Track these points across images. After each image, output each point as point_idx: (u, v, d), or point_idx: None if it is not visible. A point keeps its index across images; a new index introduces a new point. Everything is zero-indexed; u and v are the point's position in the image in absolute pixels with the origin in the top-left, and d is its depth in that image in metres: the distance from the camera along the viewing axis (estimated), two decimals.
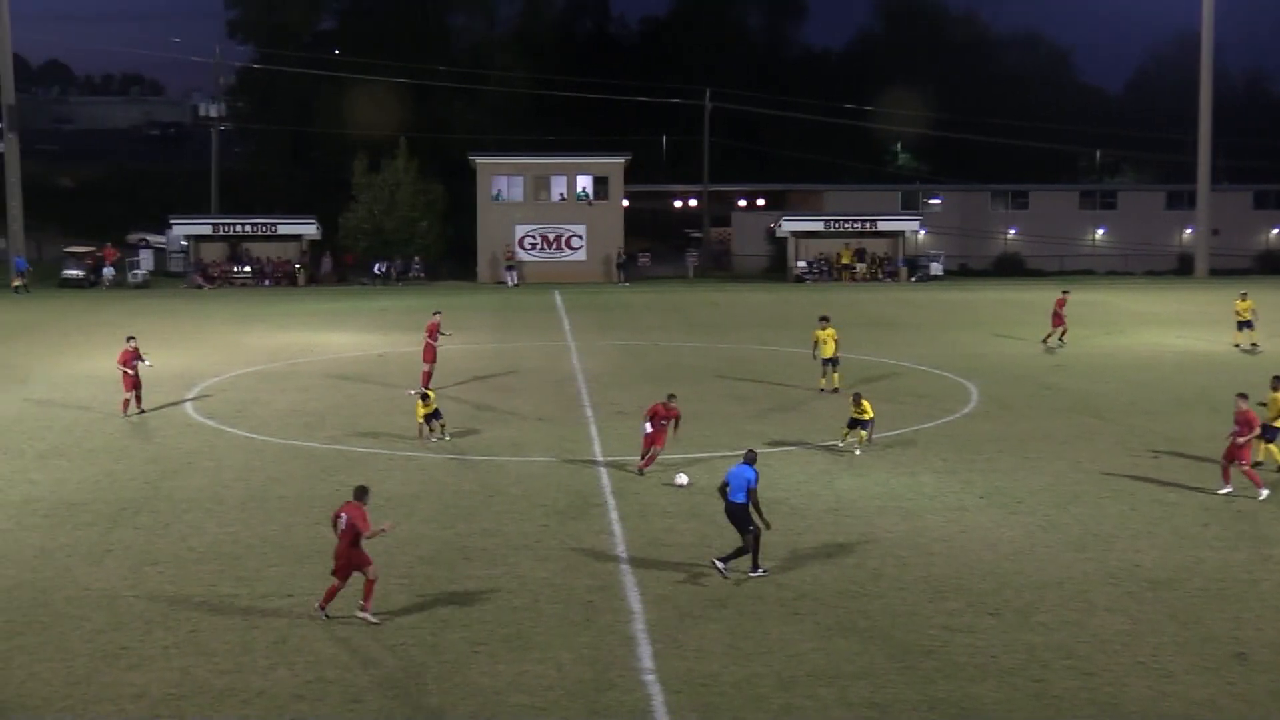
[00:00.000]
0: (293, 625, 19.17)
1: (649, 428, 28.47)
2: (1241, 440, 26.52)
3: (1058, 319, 49.41)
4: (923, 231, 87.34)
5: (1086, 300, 66.89)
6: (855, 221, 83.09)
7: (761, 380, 41.52)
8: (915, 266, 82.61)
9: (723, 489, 21.79)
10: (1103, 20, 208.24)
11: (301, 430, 33.66)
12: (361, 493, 19.69)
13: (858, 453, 30.08)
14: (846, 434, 30.59)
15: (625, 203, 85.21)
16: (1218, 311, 60.76)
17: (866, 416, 30.06)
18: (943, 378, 41.70)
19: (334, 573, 19.30)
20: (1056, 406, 36.86)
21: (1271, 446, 28.34)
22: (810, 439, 32.00)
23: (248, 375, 42.78)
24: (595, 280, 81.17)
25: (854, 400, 30.40)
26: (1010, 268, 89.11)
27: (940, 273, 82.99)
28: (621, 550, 23.12)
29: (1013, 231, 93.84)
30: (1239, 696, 16.82)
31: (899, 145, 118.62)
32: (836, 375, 38.89)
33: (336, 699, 16.66)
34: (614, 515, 25.40)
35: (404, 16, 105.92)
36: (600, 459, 30.37)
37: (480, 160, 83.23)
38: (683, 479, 27.25)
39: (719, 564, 21.46)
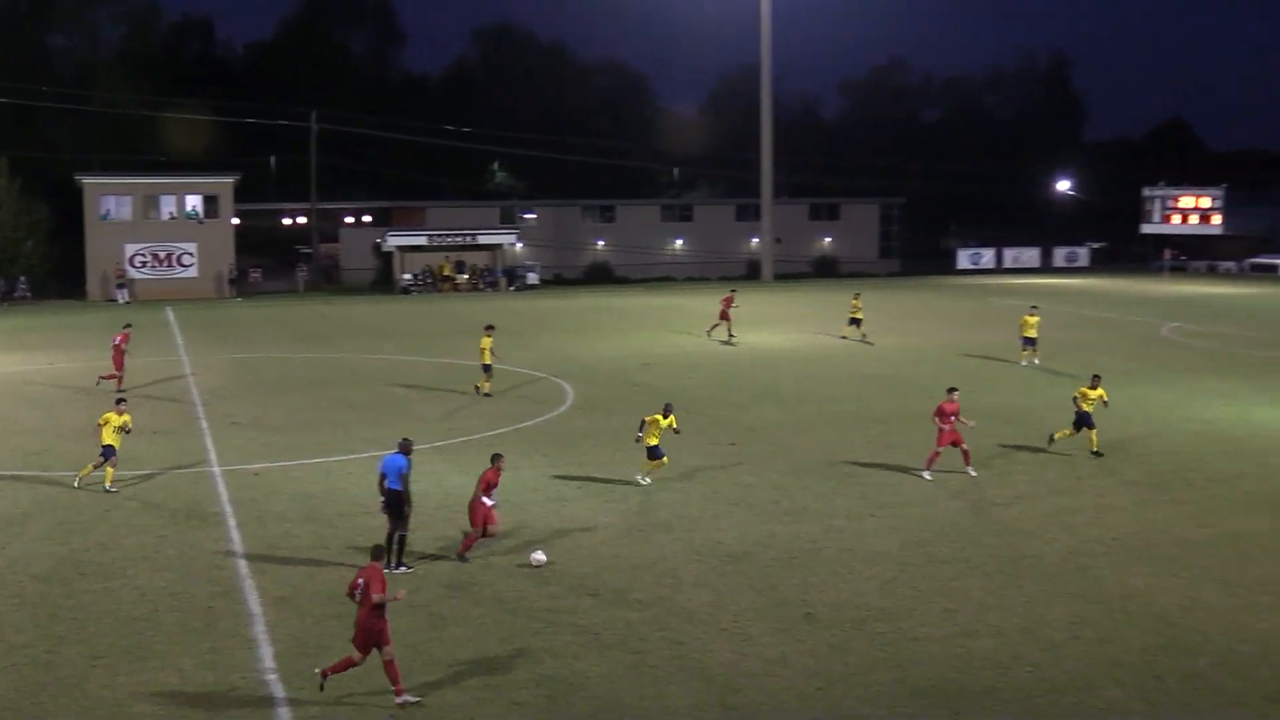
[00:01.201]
0: None
1: (488, 500, 22.32)
2: (946, 427, 27.96)
3: (724, 315, 52.07)
4: (519, 244, 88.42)
5: (670, 304, 69.33)
6: (457, 235, 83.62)
7: (371, 386, 41.10)
8: (513, 276, 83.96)
9: (380, 480, 21.78)
10: (676, 50, 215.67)
11: None
12: (379, 552, 17.40)
13: (645, 481, 27.51)
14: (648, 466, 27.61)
15: (236, 221, 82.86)
16: (782, 311, 64.19)
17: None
18: (541, 379, 42.33)
19: (354, 641, 16.22)
20: (644, 403, 37.86)
21: (1092, 433, 30.12)
22: (420, 440, 31.87)
23: None
24: (208, 296, 78.51)
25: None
26: (600, 276, 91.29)
27: (536, 281, 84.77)
28: (240, 556, 22.46)
29: (601, 243, 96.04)
30: (806, 652, 17.82)
31: (496, 164, 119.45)
32: (487, 383, 39.03)
33: None
34: (232, 523, 24.62)
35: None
36: (216, 468, 29.37)
37: (87, 180, 79.20)
38: (539, 557, 21.94)
39: (398, 571, 21.05)
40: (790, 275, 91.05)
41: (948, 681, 16.80)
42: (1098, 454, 29.85)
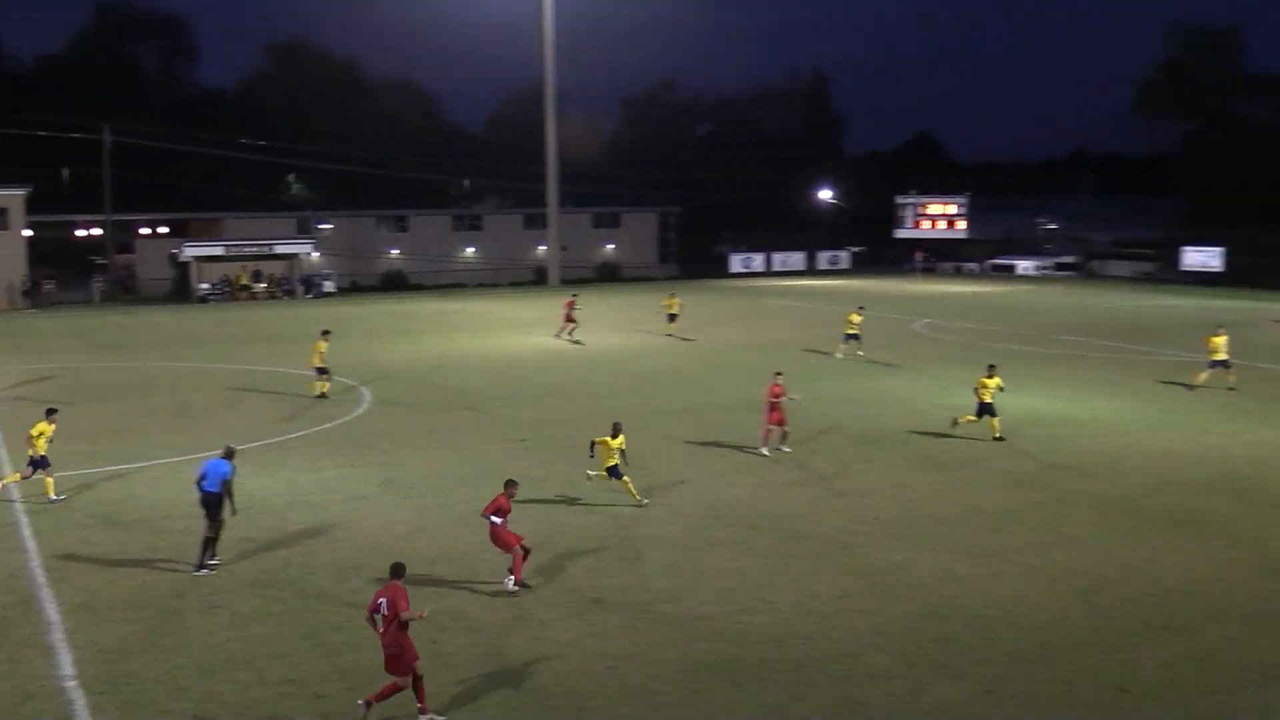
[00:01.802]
0: None
1: (496, 520, 20.08)
2: (774, 403, 29.69)
3: (568, 319, 52.48)
4: (316, 253, 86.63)
5: (463, 309, 68.79)
6: (253, 246, 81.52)
7: (170, 394, 39.72)
8: (310, 284, 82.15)
9: (199, 481, 21.25)
10: (465, 68, 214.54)
11: None
12: (399, 570, 15.89)
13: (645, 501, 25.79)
14: None
15: (28, 233, 79.00)
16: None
17: None
18: (338, 382, 41.52)
19: (388, 668, 15.13)
20: (439, 403, 37.60)
21: (994, 420, 31.00)
22: (213, 445, 30.93)
23: None
24: None
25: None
26: (395, 283, 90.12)
27: (333, 289, 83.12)
28: (36, 565, 21.39)
29: (395, 251, 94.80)
30: (597, 635, 17.89)
31: (292, 176, 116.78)
32: (326, 385, 38.36)
33: None
34: (27, 532, 23.40)
35: None
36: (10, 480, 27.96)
37: None
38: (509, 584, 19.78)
39: (202, 570, 20.62)
40: (576, 280, 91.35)
41: (729, 655, 17.06)
42: (1000, 439, 30.75)
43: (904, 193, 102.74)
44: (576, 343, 51.47)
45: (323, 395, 38.05)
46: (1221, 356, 38.40)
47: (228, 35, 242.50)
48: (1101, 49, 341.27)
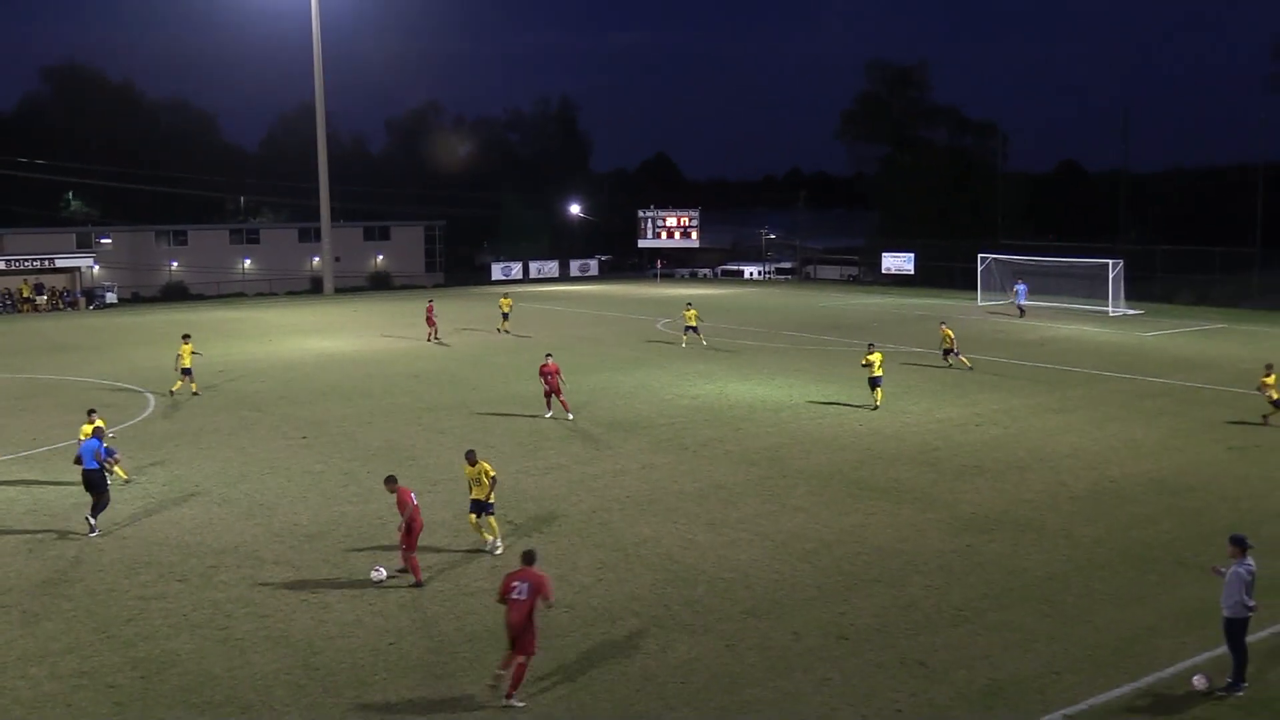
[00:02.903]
0: None
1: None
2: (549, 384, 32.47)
3: (430, 322, 52.42)
4: (96, 266, 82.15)
5: (241, 317, 66.35)
6: (34, 260, 76.82)
7: None
8: (92, 296, 78.00)
9: (77, 460, 22.19)
10: (239, 90, 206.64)
11: None
12: (532, 556, 15.06)
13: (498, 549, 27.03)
14: None
15: None
16: (342, 320, 62.81)
17: None
18: (123, 389, 39.55)
19: (516, 649, 14.46)
20: (221, 404, 36.19)
21: (878, 391, 33.65)
22: (5, 452, 29.08)
23: None
24: None
25: None
26: (176, 294, 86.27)
27: (115, 300, 79.13)
28: None
29: (175, 264, 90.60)
30: (378, 614, 17.57)
31: (70, 194, 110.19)
32: (191, 384, 37.87)
33: None
34: None
35: None
36: None
37: None
38: (380, 573, 19.10)
39: (91, 521, 21.74)
40: (350, 289, 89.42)
41: (500, 626, 16.96)
42: (876, 408, 33.42)
43: (645, 207, 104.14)
44: (442, 344, 50.95)
45: (195, 393, 37.74)
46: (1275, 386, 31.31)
47: (2, 59, 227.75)
48: (812, 82, 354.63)
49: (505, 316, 56.17)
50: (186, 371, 37.68)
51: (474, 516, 20.60)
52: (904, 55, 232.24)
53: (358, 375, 42.18)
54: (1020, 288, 63.40)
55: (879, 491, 24.62)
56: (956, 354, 41.65)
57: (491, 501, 20.55)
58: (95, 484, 22.00)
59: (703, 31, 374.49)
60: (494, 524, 20.65)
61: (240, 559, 20.28)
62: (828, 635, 16.66)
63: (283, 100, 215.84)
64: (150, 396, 37.63)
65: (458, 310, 66.04)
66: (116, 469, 24.91)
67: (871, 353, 34.06)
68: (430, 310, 53.60)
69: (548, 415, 32.66)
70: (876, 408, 33.49)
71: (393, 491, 19.34)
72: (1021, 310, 61.68)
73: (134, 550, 20.81)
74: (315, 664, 15.73)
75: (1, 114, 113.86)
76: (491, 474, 20.42)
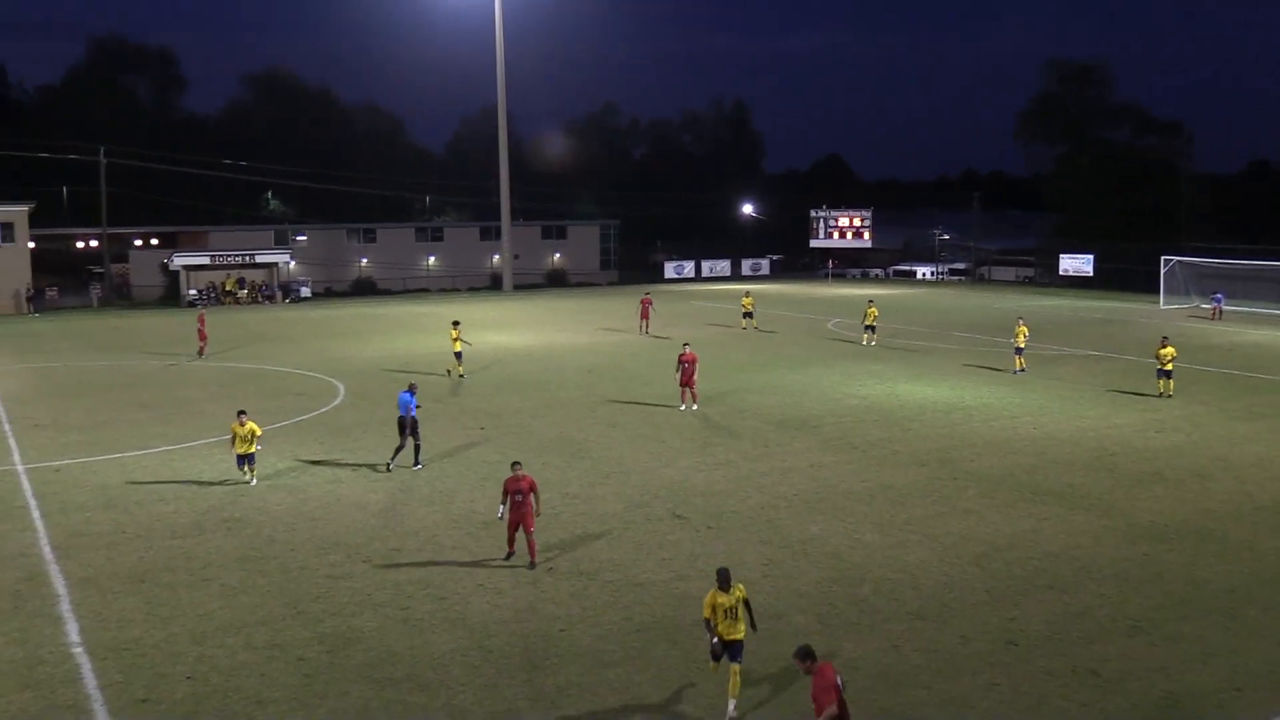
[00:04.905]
0: None
1: (503, 511, 19.65)
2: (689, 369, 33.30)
3: (644, 315, 54.44)
4: (293, 262, 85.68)
5: (426, 312, 68.30)
6: (237, 255, 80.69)
7: (162, 389, 39.12)
8: (288, 290, 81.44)
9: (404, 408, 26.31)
10: (426, 95, 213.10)
11: None
12: (806, 653, 12.34)
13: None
14: None
15: (32, 244, 77.48)
16: (520, 316, 64.02)
17: None
18: (315, 378, 41.16)
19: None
20: None
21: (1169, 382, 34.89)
22: (202, 437, 30.60)
23: None
24: (7, 313, 73.11)
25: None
26: (365, 289, 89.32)
27: (309, 294, 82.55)
28: (45, 544, 21.05)
29: (365, 260, 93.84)
30: (550, 600, 17.86)
31: (270, 193, 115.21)
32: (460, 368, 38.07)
33: None
34: (36, 514, 23.06)
35: None
36: (20, 466, 27.47)
37: None
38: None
39: (390, 467, 25.76)
40: (527, 286, 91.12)
41: (666, 618, 17.10)
42: (1170, 396, 34.61)
43: (817, 207, 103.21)
44: (658, 337, 51.93)
45: (460, 374, 40.57)
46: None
47: (211, 66, 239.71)
48: (989, 81, 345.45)
49: (749, 315, 56.28)
50: (457, 355, 41.13)
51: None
52: (1084, 53, 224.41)
53: (533, 369, 42.95)
54: (1218, 296, 61.43)
55: (1052, 496, 23.89)
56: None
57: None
58: (404, 427, 26.41)
59: (877, 32, 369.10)
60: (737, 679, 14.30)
61: (421, 543, 20.89)
62: (996, 640, 16.25)
63: (466, 104, 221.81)
64: (340, 386, 39.06)
65: (630, 308, 66.58)
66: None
67: (1164, 346, 35.04)
68: (646, 303, 55.25)
69: (681, 408, 33.30)
70: (1170, 396, 34.79)
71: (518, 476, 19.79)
72: (1218, 314, 60.03)
73: (323, 531, 21.64)
74: (490, 646, 16.10)
75: (209, 119, 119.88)
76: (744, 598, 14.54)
